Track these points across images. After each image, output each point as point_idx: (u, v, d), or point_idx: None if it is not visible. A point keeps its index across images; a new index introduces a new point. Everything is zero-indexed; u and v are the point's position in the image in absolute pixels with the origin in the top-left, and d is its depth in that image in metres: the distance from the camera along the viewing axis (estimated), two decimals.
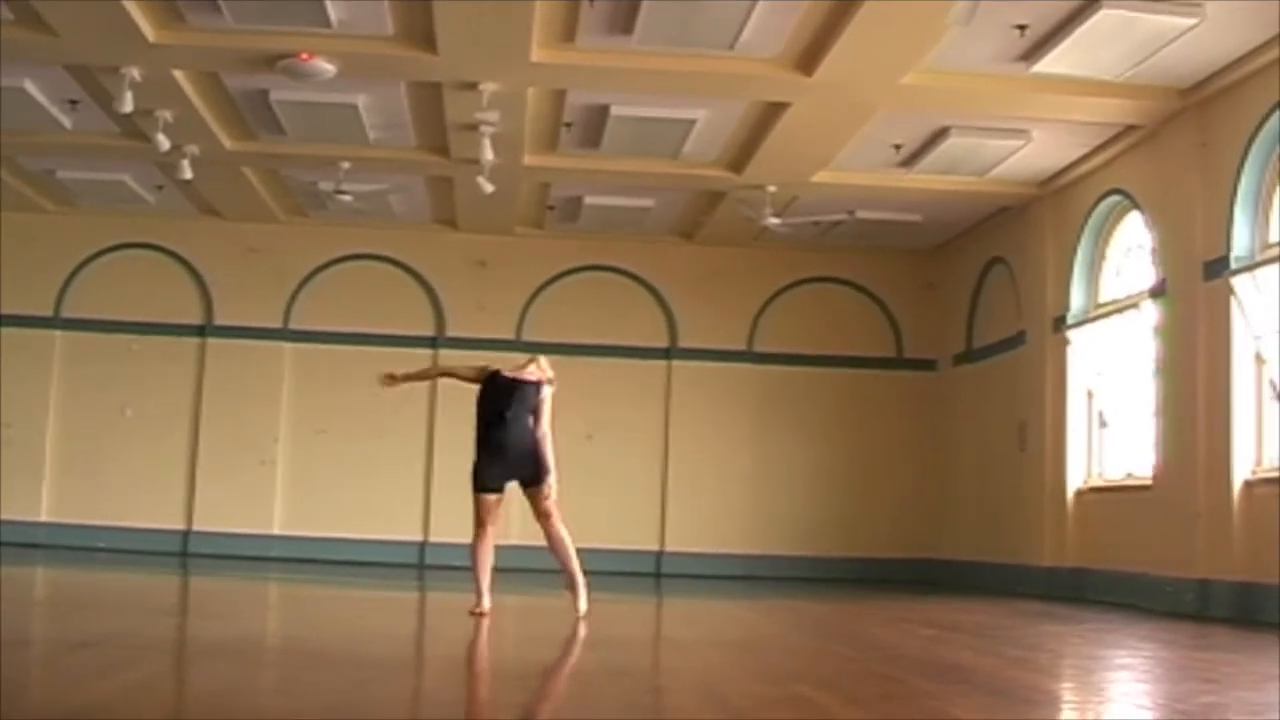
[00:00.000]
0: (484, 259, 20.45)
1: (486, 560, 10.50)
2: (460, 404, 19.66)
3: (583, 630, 9.91)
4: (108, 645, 7.62)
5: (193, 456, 20.40)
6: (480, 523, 10.46)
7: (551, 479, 10.47)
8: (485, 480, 10.43)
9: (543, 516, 10.49)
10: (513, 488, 10.61)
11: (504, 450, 10.38)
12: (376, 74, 14.25)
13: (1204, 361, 13.71)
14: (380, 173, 17.55)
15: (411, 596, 14.42)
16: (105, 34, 13.10)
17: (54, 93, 15.16)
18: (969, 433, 20.11)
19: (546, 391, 10.59)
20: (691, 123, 15.39)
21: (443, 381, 20.22)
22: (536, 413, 10.53)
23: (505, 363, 11.10)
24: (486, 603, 10.39)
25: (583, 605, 10.46)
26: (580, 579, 10.53)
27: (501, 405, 10.43)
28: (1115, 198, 16.20)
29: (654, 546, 20.61)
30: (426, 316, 20.78)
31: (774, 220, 17.86)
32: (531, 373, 10.65)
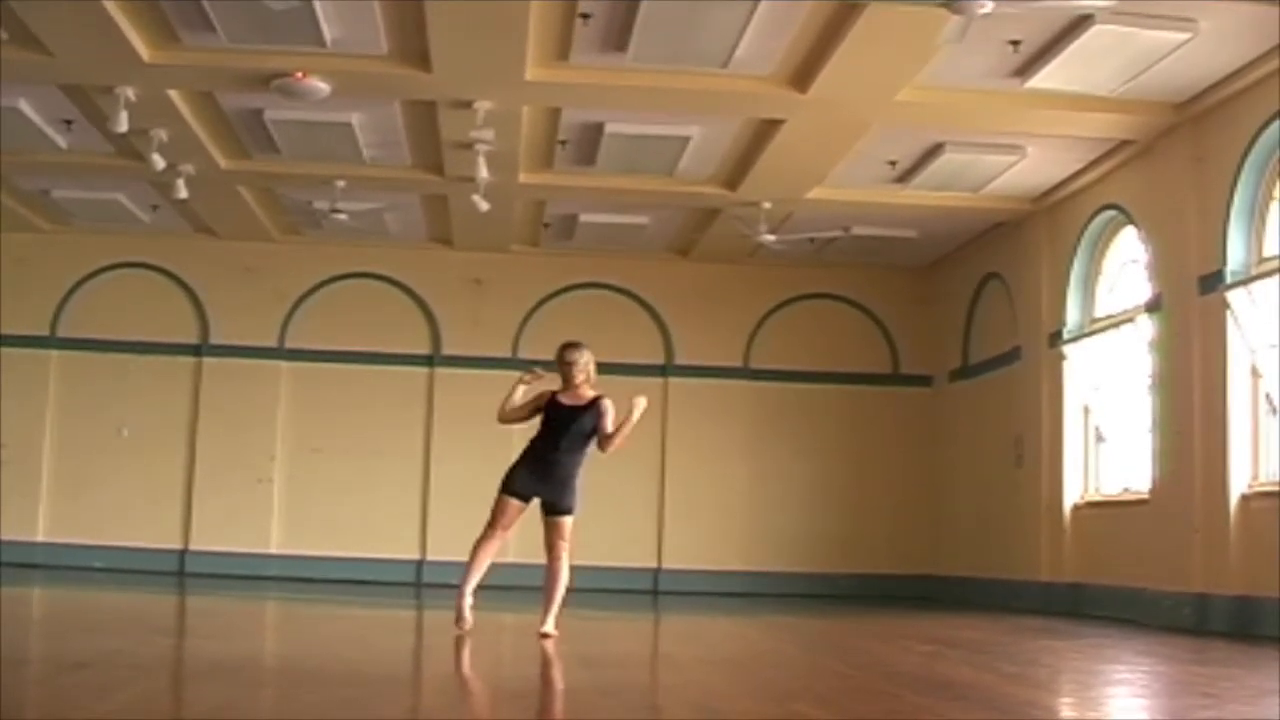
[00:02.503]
0: (480, 277, 20.47)
1: (483, 563, 10.37)
2: (456, 423, 19.82)
3: (578, 648, 9.90)
4: (105, 665, 7.61)
5: (189, 475, 20.38)
6: (493, 524, 10.34)
7: (570, 519, 10.39)
8: (515, 484, 10.28)
9: (550, 548, 10.37)
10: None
11: (544, 469, 10.24)
12: (371, 93, 14.26)
13: (1200, 376, 13.72)
14: (375, 191, 17.56)
15: (408, 615, 14.40)
16: (100, 54, 13.11)
17: (49, 112, 15.16)
18: (965, 448, 20.10)
19: (608, 411, 10.33)
20: (686, 140, 15.41)
21: (439, 399, 20.35)
22: (593, 435, 10.30)
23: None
24: (468, 605, 10.29)
25: (547, 627, 10.35)
26: (554, 613, 10.41)
27: (559, 436, 10.27)
28: (1110, 213, 16.22)
29: (651, 564, 20.60)
30: (422, 335, 20.78)
31: (769, 237, 17.87)
32: (585, 393, 10.46)
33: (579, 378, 10.40)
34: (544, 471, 10.27)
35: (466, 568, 10.40)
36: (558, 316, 20.68)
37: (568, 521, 10.33)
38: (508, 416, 10.53)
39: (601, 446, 10.30)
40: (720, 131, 15.31)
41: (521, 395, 10.46)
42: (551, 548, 10.34)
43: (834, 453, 21.06)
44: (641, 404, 10.16)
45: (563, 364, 10.43)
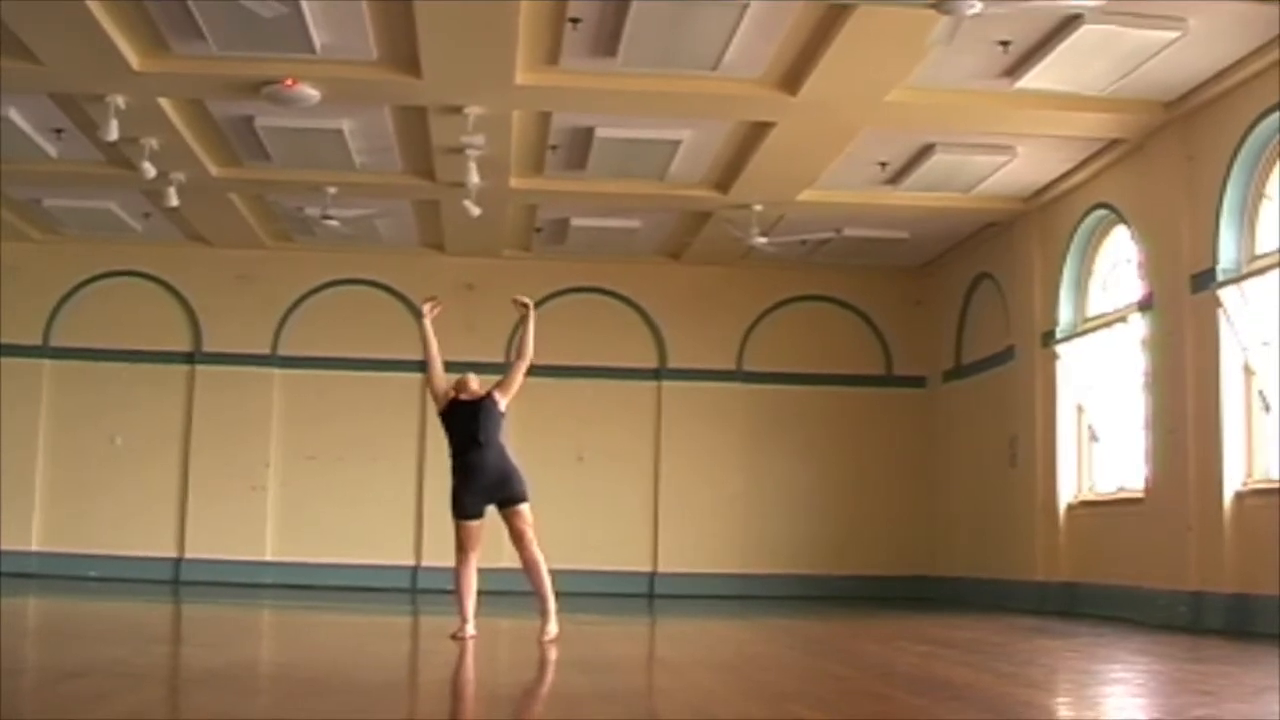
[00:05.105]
0: (472, 282, 20.43)
1: (470, 586, 10.46)
2: None
3: (574, 653, 9.89)
4: (101, 674, 7.60)
5: (183, 483, 20.36)
6: (462, 549, 10.42)
7: (527, 504, 10.46)
8: (465, 508, 10.36)
9: (518, 538, 10.42)
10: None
11: (480, 474, 10.31)
12: (361, 99, 14.26)
13: (1193, 374, 13.73)
14: (366, 197, 17.56)
15: (404, 621, 14.39)
16: (90, 62, 13.11)
17: (39, 121, 15.16)
18: (960, 449, 20.12)
19: (503, 403, 10.56)
20: (677, 143, 15.41)
21: (434, 406, 20.33)
22: (502, 416, 10.53)
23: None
24: (471, 628, 10.35)
25: (552, 630, 10.38)
26: (552, 604, 10.46)
27: (472, 429, 10.39)
28: (1101, 212, 16.23)
29: (647, 567, 20.59)
30: (414, 340, 20.53)
31: (761, 239, 17.88)
32: (478, 389, 10.61)
33: (475, 382, 10.72)
34: (481, 477, 10.36)
35: (458, 598, 10.48)
36: (550, 321, 20.48)
37: (525, 508, 10.43)
38: (432, 360, 10.92)
39: (520, 356, 10.74)
40: (711, 135, 15.31)
41: (431, 330, 10.97)
42: (520, 537, 10.42)
43: (828, 455, 21.06)
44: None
45: (463, 376, 10.76)
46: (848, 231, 18.78)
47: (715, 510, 20.71)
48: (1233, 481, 13.23)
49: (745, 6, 11.85)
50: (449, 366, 10.90)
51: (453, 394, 10.61)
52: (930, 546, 20.79)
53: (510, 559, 10.71)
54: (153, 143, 15.23)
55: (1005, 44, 12.53)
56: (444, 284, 20.24)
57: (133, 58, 13.09)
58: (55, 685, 7.08)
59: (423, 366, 20.34)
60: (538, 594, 10.47)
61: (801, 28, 12.43)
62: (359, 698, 7.07)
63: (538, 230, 19.51)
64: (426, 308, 10.97)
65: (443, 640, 10.34)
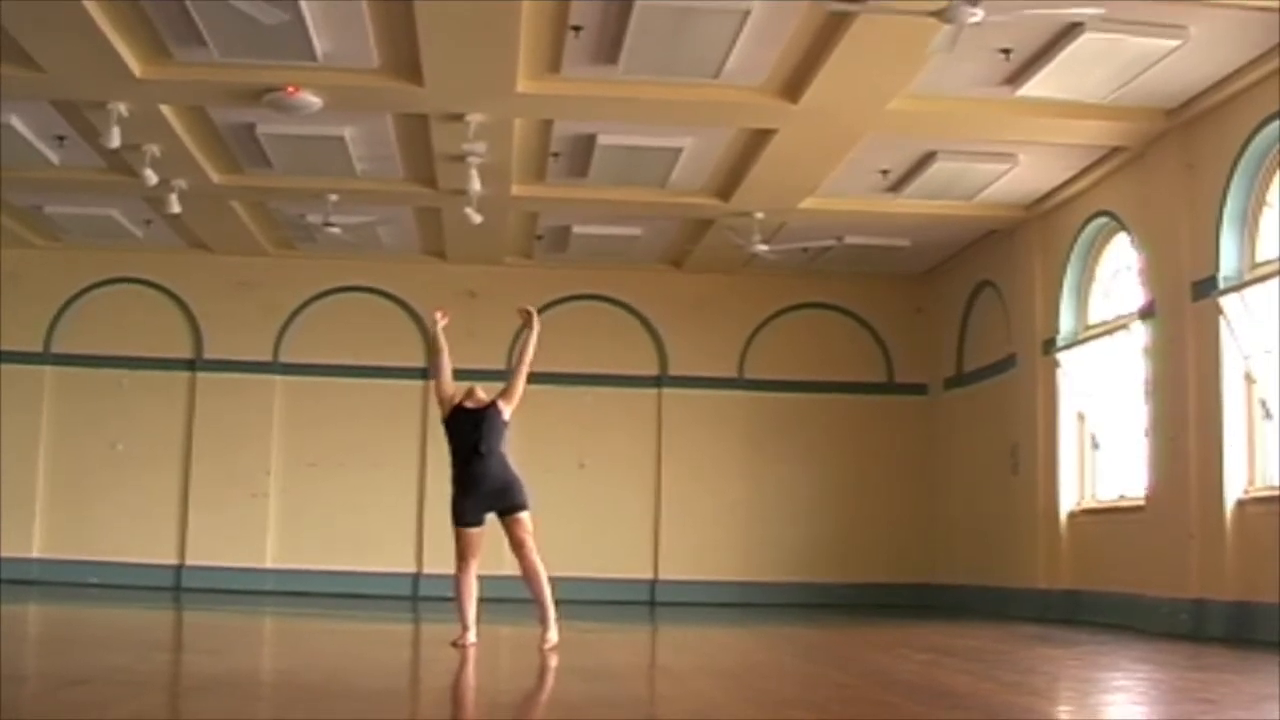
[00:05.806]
0: (473, 289, 20.44)
1: (470, 593, 10.48)
2: None
3: (575, 660, 9.89)
4: (102, 681, 7.60)
5: (184, 490, 20.34)
6: (462, 557, 10.45)
7: (528, 512, 10.48)
8: (465, 516, 10.40)
9: (518, 546, 10.44)
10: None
11: (481, 483, 10.34)
12: (363, 106, 14.26)
13: (1194, 382, 13.72)
14: (368, 205, 17.56)
15: (405, 628, 14.39)
16: (92, 70, 13.11)
17: (41, 128, 15.16)
18: (961, 456, 20.11)
19: (507, 412, 10.58)
20: (678, 151, 15.41)
21: (435, 412, 20.32)
22: (504, 425, 10.57)
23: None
24: (472, 635, 10.35)
25: (553, 637, 10.40)
26: (551, 611, 10.48)
27: (475, 439, 10.41)
28: (1103, 219, 16.23)
29: (648, 575, 20.58)
30: (416, 348, 20.73)
31: (762, 247, 17.88)
32: (485, 398, 10.63)
33: (482, 392, 10.75)
34: (482, 486, 10.39)
35: (459, 605, 10.48)
36: (552, 328, 20.36)
37: (525, 516, 10.46)
38: (442, 368, 10.87)
39: (519, 363, 10.79)
40: (712, 142, 15.32)
41: (443, 338, 10.97)
42: (520, 545, 10.46)
43: (830, 462, 21.05)
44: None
45: (471, 385, 10.77)
46: (849, 239, 18.76)
47: (716, 518, 20.70)
48: (1234, 489, 13.22)
49: (746, 14, 11.85)
50: (452, 374, 10.89)
51: (458, 401, 10.62)
52: (932, 554, 20.77)
53: (511, 566, 10.72)
54: (154, 149, 15.24)
55: (1006, 52, 12.54)
56: (445, 291, 20.32)
57: (134, 64, 13.09)
58: (56, 692, 7.08)
59: (424, 374, 20.59)
60: (537, 602, 10.49)
61: (803, 35, 12.43)
62: (360, 704, 7.07)
63: (539, 238, 19.51)
64: (437, 315, 10.97)
65: (443, 647, 10.34)
